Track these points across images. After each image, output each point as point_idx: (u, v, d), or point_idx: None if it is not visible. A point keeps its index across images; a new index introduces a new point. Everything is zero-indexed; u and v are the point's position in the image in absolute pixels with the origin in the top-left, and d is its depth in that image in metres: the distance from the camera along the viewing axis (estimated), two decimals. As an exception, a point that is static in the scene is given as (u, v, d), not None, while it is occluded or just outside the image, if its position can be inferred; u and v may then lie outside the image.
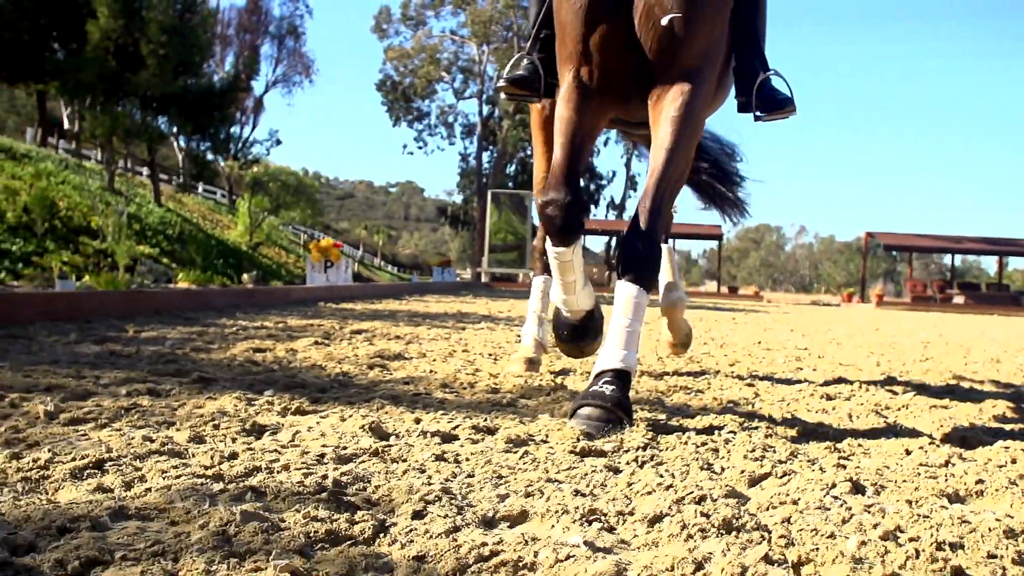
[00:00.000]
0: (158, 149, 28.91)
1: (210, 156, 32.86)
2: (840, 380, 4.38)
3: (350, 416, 2.48)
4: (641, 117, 3.10)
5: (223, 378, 3.23)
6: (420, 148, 54.33)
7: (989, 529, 1.55)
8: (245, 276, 15.66)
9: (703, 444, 2.29)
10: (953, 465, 2.22)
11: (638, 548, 1.41)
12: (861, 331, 11.02)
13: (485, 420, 2.51)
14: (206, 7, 26.80)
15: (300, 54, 51.86)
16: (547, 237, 2.86)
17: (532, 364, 3.94)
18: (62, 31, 23.37)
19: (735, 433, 2.50)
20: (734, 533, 1.48)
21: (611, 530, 1.51)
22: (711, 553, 1.35)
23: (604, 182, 56.64)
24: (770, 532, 1.49)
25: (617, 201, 57.88)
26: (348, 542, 1.36)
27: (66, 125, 36.63)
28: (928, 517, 1.65)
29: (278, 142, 39.54)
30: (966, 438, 2.65)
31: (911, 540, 1.46)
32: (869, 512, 1.66)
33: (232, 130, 32.77)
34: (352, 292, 11.99)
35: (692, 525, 1.49)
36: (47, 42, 23.55)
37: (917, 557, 1.35)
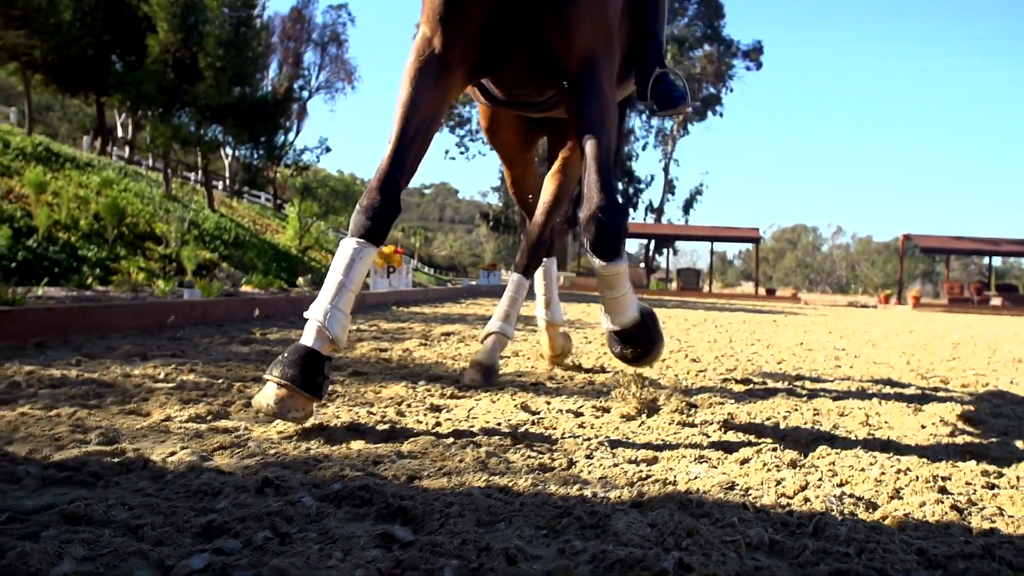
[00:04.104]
0: (211, 157, 30.06)
1: (261, 163, 34.02)
2: (873, 376, 5.12)
3: (497, 400, 3.29)
4: (523, 96, 3.20)
5: (372, 372, 4.05)
6: (462, 153, 55.28)
7: (971, 470, 2.32)
8: (300, 280, 16.56)
9: (767, 419, 3.08)
10: (957, 434, 2.98)
11: (737, 476, 2.19)
12: (896, 333, 11.68)
13: (598, 402, 3.31)
14: (260, 21, 27.85)
15: (342, 61, 53.07)
16: (352, 226, 2.68)
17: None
18: (123, 46, 24.42)
19: (790, 413, 3.28)
20: (798, 468, 2.27)
21: (715, 467, 2.30)
22: (784, 477, 2.13)
23: (642, 185, 57.38)
24: (820, 468, 2.27)
25: (656, 204, 58.55)
26: (555, 469, 2.16)
27: (119, 133, 37.99)
28: (930, 463, 2.42)
29: (327, 149, 40.80)
30: (971, 418, 3.41)
31: (916, 473, 2.22)
32: (888, 460, 2.43)
33: (282, 137, 33.94)
34: (416, 296, 12.88)
35: (770, 463, 2.28)
36: (109, 56, 24.63)
37: (917, 480, 2.13)
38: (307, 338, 2.56)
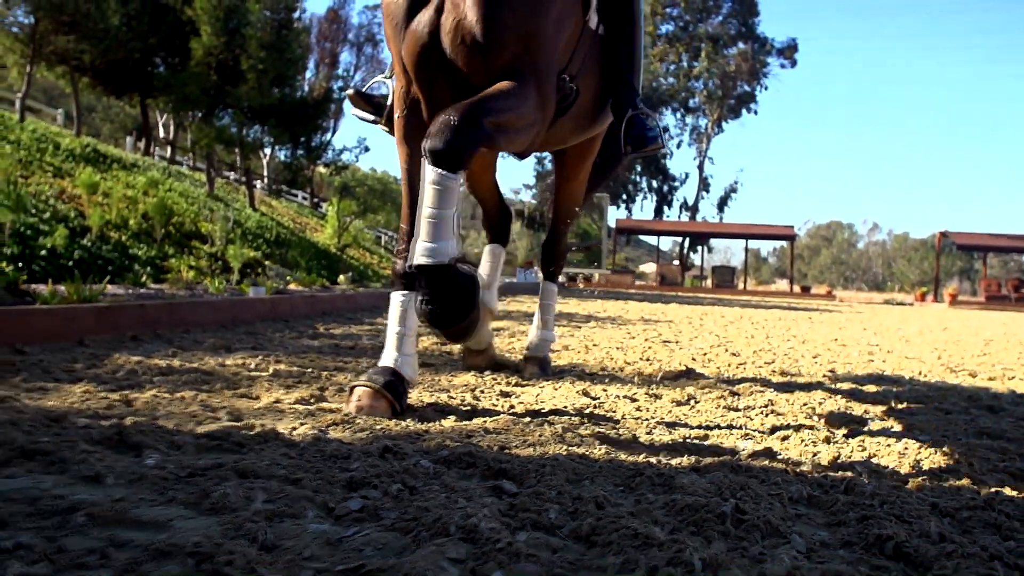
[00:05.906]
0: (251, 157, 30.69)
1: (299, 162, 34.65)
2: (905, 369, 5.43)
3: (559, 387, 3.65)
4: None
5: (439, 364, 4.43)
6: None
7: (987, 447, 2.67)
8: (341, 277, 16.97)
9: (804, 404, 3.43)
10: (978, 419, 3.31)
11: (778, 449, 2.54)
12: (930, 330, 11.90)
13: (649, 390, 3.67)
14: (300, 23, 28.38)
15: (378, 60, 53.58)
16: (395, 281, 3.01)
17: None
18: (167, 49, 25.04)
19: (825, 400, 3.62)
20: (831, 443, 2.62)
21: (759, 442, 2.65)
22: (819, 451, 2.48)
23: (677, 183, 57.54)
24: (851, 444, 2.62)
25: (690, 202, 58.67)
26: (622, 440, 2.52)
27: (161, 134, 38.79)
28: (950, 442, 2.75)
29: (367, 149, 41.42)
30: (992, 406, 3.72)
31: (935, 449, 2.56)
32: (912, 439, 2.77)
33: (320, 137, 34.59)
34: (458, 294, 13.24)
35: (807, 439, 2.63)
36: (153, 59, 25.26)
37: (936, 454, 2.47)
38: None
